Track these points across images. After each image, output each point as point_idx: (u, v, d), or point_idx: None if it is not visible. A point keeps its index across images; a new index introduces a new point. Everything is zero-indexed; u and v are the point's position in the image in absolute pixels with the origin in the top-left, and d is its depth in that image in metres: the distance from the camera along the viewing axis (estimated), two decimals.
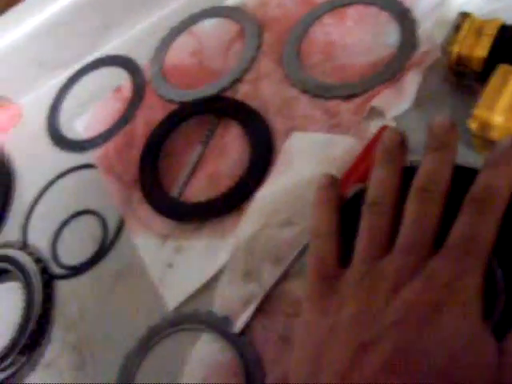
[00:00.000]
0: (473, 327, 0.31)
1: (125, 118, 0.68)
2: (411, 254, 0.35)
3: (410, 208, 0.36)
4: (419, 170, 0.38)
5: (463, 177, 0.40)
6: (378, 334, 0.32)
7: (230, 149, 0.60)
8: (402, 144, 0.41)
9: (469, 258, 0.33)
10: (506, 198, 0.35)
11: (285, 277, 0.50)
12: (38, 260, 0.62)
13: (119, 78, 0.73)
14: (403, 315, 0.32)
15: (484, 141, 0.48)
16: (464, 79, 0.52)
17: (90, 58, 0.78)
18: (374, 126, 0.54)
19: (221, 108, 0.63)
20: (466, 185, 0.40)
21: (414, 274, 0.33)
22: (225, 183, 0.58)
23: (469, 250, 0.33)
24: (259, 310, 0.49)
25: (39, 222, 0.67)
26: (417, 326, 0.31)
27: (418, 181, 0.37)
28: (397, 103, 0.54)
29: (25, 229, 0.67)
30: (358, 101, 0.57)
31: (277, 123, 0.59)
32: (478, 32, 0.50)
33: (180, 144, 0.63)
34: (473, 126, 0.46)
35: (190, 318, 0.52)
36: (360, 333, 0.33)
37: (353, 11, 0.64)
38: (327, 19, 0.65)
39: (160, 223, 0.59)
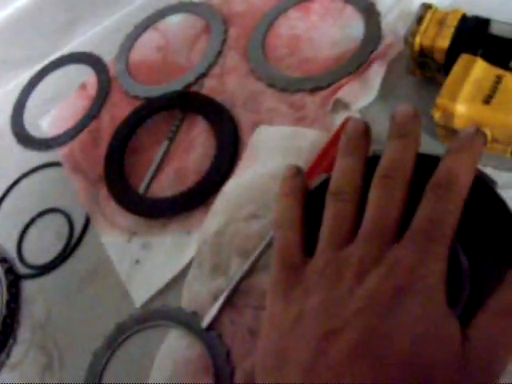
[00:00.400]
0: (437, 313, 0.31)
1: (90, 115, 0.67)
2: (374, 241, 0.34)
3: (373, 195, 0.36)
4: (382, 157, 0.38)
5: (427, 165, 0.40)
6: (341, 323, 0.32)
7: (196, 144, 0.60)
8: (365, 133, 0.41)
9: (432, 243, 0.33)
10: (468, 183, 0.35)
11: (252, 270, 0.50)
12: (3, 260, 0.61)
13: (84, 75, 0.72)
14: (367, 302, 0.32)
15: (447, 130, 0.48)
16: (427, 70, 0.53)
17: (54, 56, 0.77)
18: (339, 118, 0.54)
19: (186, 103, 0.62)
20: (430, 173, 0.40)
21: (377, 261, 0.33)
22: (191, 178, 0.57)
23: (432, 236, 0.33)
24: (227, 305, 0.49)
25: (4, 221, 0.66)
26: (380, 313, 0.31)
27: (380, 168, 0.37)
28: (362, 95, 0.55)
29: None
30: (323, 94, 0.57)
31: (243, 117, 0.59)
32: (440, 23, 0.51)
33: (146, 140, 0.63)
34: (436, 115, 0.47)
35: (158, 315, 0.52)
36: (324, 322, 0.33)
37: (317, 5, 0.64)
38: (292, 13, 0.65)
39: (127, 220, 0.58)
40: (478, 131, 0.37)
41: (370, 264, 0.33)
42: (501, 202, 0.39)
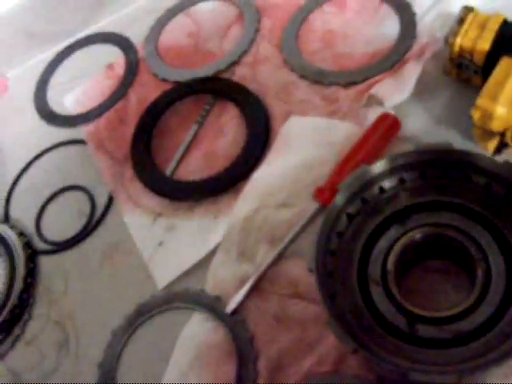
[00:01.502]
0: None
1: (117, 95, 0.67)
2: None
3: None
4: None
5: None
6: None
7: (226, 129, 0.60)
8: None
9: None
10: None
11: (280, 258, 0.50)
12: (21, 234, 0.61)
13: (112, 55, 0.72)
14: None
15: (485, 132, 0.48)
16: (464, 72, 0.53)
17: (82, 34, 0.76)
18: (372, 113, 0.54)
19: (218, 88, 0.62)
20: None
21: None
22: (220, 163, 0.57)
23: None
24: (253, 290, 0.49)
25: (24, 196, 0.65)
26: None
27: None
28: (396, 92, 0.55)
29: (8, 202, 0.65)
30: (357, 88, 0.57)
31: (274, 107, 0.59)
32: (481, 26, 0.51)
33: (175, 123, 0.62)
34: (475, 115, 0.47)
35: (181, 297, 0.52)
36: None
37: (353, 2, 0.64)
38: (327, 8, 0.65)
39: (152, 201, 0.58)
40: None
41: None
42: None
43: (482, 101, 0.47)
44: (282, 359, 0.46)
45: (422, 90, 0.55)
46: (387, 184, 0.45)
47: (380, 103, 0.55)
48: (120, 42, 0.72)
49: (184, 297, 0.52)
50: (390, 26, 0.61)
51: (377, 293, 0.42)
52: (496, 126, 0.47)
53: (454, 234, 0.43)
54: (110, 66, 0.70)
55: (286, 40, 0.63)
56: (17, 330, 0.56)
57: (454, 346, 0.40)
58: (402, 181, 0.45)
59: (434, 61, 0.56)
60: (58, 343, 0.55)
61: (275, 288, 0.49)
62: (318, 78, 0.59)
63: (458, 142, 0.51)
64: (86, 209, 0.61)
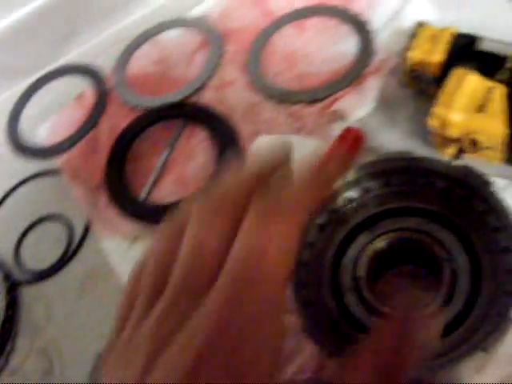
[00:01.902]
0: None
1: (88, 125, 0.68)
2: (179, 297, 0.27)
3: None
4: None
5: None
6: None
7: (196, 152, 0.61)
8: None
9: (248, 293, 0.26)
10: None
11: None
12: (0, 266, 0.62)
13: (82, 86, 0.73)
14: (164, 377, 0.25)
15: (442, 138, 0.51)
16: (420, 83, 0.56)
17: (52, 67, 0.78)
18: (336, 129, 0.56)
19: (187, 113, 0.64)
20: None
21: (180, 326, 0.26)
22: (192, 185, 0.59)
23: (248, 280, 0.26)
24: None
25: (1, 228, 0.66)
26: None
27: None
28: (358, 106, 0.57)
29: None
30: (321, 105, 0.59)
31: (242, 128, 0.61)
32: (434, 39, 0.54)
33: (146, 148, 0.64)
34: (432, 123, 0.49)
35: None
36: None
37: (313, 23, 0.67)
38: (288, 30, 0.67)
39: (128, 226, 0.59)
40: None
41: (173, 326, 0.26)
42: (498, 200, 0.42)
43: (437, 109, 0.49)
44: None
45: (383, 103, 0.58)
46: (353, 194, 0.46)
47: (343, 118, 0.57)
48: (89, 72, 0.74)
49: None
50: (350, 44, 0.63)
51: (350, 299, 0.44)
52: (453, 132, 0.50)
53: (420, 237, 0.45)
54: (81, 97, 0.72)
55: (250, 63, 0.65)
56: (1, 361, 0.57)
57: None
58: (367, 190, 0.47)
59: (393, 74, 0.58)
60: (43, 371, 0.55)
61: None
62: (283, 98, 0.61)
63: (420, 150, 0.53)
64: (64, 237, 0.62)
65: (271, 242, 0.26)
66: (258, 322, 0.25)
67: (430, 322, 0.31)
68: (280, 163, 0.33)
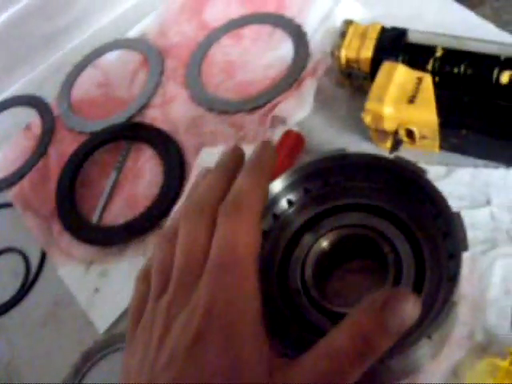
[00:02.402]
0: (238, 353, 0.30)
1: (37, 155, 0.68)
2: (182, 281, 0.33)
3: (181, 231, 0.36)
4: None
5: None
6: (151, 380, 0.31)
7: (143, 171, 0.62)
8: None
9: (229, 274, 0.32)
10: (258, 201, 0.37)
11: None
12: None
13: (28, 116, 0.73)
14: (171, 355, 0.30)
15: (379, 132, 0.52)
16: (354, 80, 0.57)
17: None
18: (278, 133, 0.57)
19: (131, 133, 0.65)
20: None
21: (184, 304, 0.32)
22: (142, 204, 0.59)
23: (227, 265, 0.32)
24: None
25: None
26: (182, 366, 0.30)
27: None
28: (297, 110, 0.58)
29: None
30: (261, 112, 0.60)
31: (187, 142, 0.62)
32: (362, 36, 0.55)
33: (95, 172, 0.64)
34: (367, 119, 0.50)
35: (122, 338, 0.53)
36: (140, 381, 0.32)
37: (248, 31, 0.68)
38: (225, 41, 0.68)
39: (82, 251, 0.59)
40: (264, 145, 0.40)
41: (177, 310, 0.32)
42: (432, 188, 0.42)
43: (369, 104, 0.50)
44: None
45: (321, 103, 0.59)
46: (293, 196, 0.47)
47: (283, 122, 0.58)
48: (34, 102, 0.74)
49: (125, 337, 0.53)
50: (285, 49, 0.64)
51: (300, 301, 0.44)
52: (387, 125, 0.50)
53: (362, 231, 0.46)
54: (28, 128, 0.72)
55: (190, 77, 0.66)
56: None
57: None
58: (306, 191, 0.47)
59: (328, 75, 0.59)
60: None
61: None
62: (224, 108, 0.62)
63: (360, 147, 0.54)
64: (21, 269, 0.62)
65: (237, 233, 0.33)
66: (239, 292, 0.31)
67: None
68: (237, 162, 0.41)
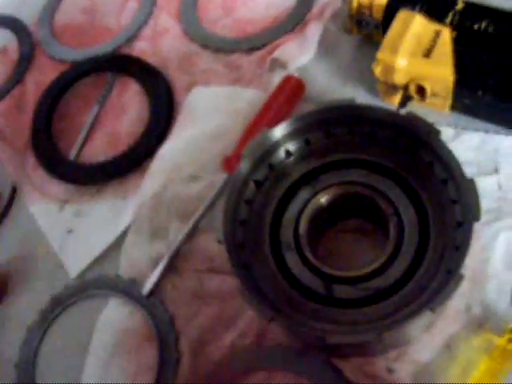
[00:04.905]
0: None
1: (13, 81, 0.63)
2: None
3: None
4: None
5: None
6: None
7: (128, 107, 0.57)
8: None
9: None
10: None
11: (193, 233, 0.48)
12: None
13: (4, 39, 0.68)
14: None
15: (388, 86, 0.48)
16: (364, 28, 0.52)
17: None
18: (276, 78, 0.53)
19: (117, 65, 0.60)
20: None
21: None
22: (125, 142, 0.55)
23: None
24: (168, 269, 0.47)
25: None
26: None
27: None
28: (299, 54, 0.54)
29: None
30: (260, 53, 0.56)
31: (177, 79, 0.57)
32: None
33: (75, 105, 0.60)
34: (377, 70, 0.47)
35: (95, 284, 0.50)
36: None
37: None
38: None
39: (57, 188, 0.55)
40: None
41: None
42: (446, 150, 0.39)
43: (382, 54, 0.46)
44: (204, 336, 0.45)
45: (325, 49, 0.55)
46: (292, 147, 0.43)
47: (283, 66, 0.54)
48: (12, 24, 0.68)
49: (98, 283, 0.50)
50: None
51: (291, 258, 0.41)
52: (398, 78, 0.47)
53: (363, 191, 0.43)
54: (3, 51, 0.67)
55: (185, 10, 0.61)
56: None
57: (373, 304, 0.39)
58: (307, 142, 0.44)
59: (335, 20, 0.55)
60: None
61: (190, 264, 0.47)
62: (220, 46, 0.58)
63: (364, 99, 0.50)
64: None
65: None
66: None
67: None
68: None
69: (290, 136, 0.43)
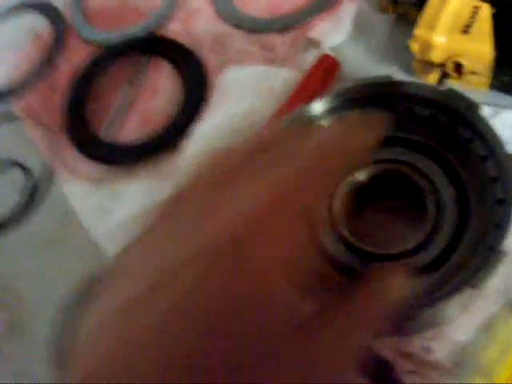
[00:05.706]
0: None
1: (46, 64, 0.64)
2: None
3: None
4: None
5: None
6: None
7: (162, 88, 0.57)
8: None
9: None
10: None
11: None
12: None
13: (38, 24, 0.68)
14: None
15: (424, 64, 0.47)
16: (400, 6, 0.52)
17: (4, 5, 0.72)
18: (310, 57, 0.53)
19: (150, 47, 0.60)
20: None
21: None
22: (158, 123, 0.55)
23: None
24: None
25: None
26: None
27: None
28: (333, 33, 0.54)
29: None
30: (294, 33, 0.55)
31: (210, 60, 0.57)
32: None
33: (108, 86, 0.60)
34: (414, 46, 0.46)
35: None
36: None
37: None
38: None
39: (91, 168, 0.55)
40: None
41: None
42: (486, 125, 0.38)
43: (419, 30, 0.45)
44: None
45: (360, 28, 0.54)
46: (328, 124, 0.43)
47: (317, 46, 0.53)
48: (44, 9, 0.68)
49: None
50: None
51: (326, 236, 0.41)
52: (436, 56, 0.46)
53: (402, 169, 0.42)
54: (37, 36, 0.67)
55: None
56: None
57: None
58: (343, 119, 0.43)
59: None
60: (9, 326, 0.52)
61: None
62: (253, 27, 0.57)
63: (400, 77, 0.49)
64: (24, 185, 0.58)
65: None
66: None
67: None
68: None
69: (327, 112, 0.43)
